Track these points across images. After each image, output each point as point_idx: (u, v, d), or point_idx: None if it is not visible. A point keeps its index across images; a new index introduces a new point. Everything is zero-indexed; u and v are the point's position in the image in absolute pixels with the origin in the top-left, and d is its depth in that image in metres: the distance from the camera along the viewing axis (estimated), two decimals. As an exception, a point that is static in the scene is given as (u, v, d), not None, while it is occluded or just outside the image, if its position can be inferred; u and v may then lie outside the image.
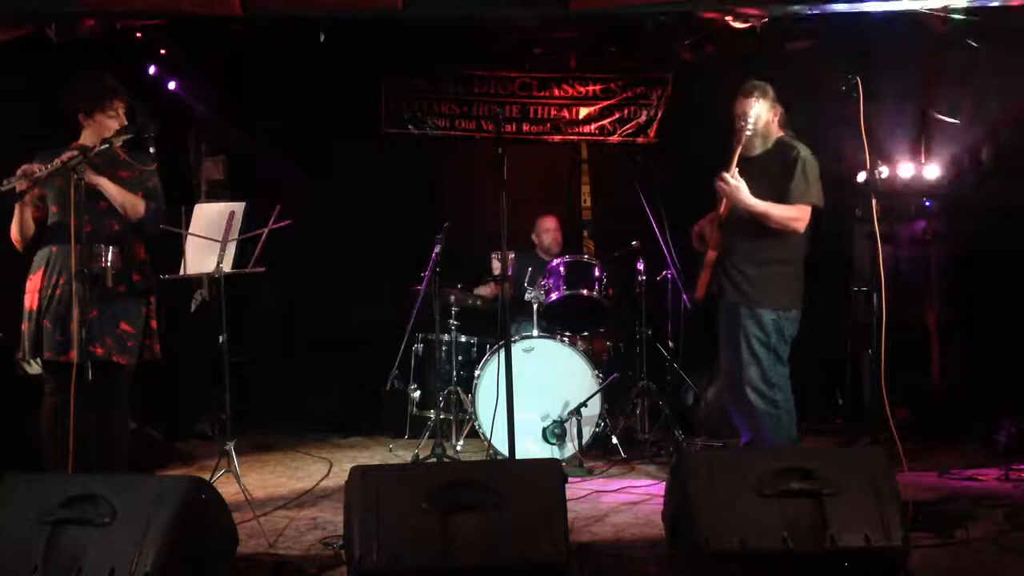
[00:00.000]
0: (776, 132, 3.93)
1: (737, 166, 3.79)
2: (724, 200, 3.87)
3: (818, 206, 3.78)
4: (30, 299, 3.53)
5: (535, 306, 4.96)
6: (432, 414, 5.16)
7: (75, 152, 3.33)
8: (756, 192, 3.76)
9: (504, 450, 3.96)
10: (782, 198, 3.75)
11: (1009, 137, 5.16)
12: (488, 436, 4.53)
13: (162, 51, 5.62)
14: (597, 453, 4.92)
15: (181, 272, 3.77)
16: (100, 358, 3.44)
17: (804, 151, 3.81)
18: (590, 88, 6.54)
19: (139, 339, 3.61)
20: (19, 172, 3.37)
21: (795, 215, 3.74)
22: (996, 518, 3.35)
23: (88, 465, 3.16)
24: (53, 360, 3.45)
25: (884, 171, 5.48)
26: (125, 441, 3.67)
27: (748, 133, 3.81)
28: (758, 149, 3.90)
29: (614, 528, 3.50)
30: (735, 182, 3.75)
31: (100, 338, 3.47)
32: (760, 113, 3.84)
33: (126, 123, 3.56)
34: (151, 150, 3.55)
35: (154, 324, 3.71)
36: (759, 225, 3.78)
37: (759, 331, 3.78)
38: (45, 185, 3.47)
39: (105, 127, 3.55)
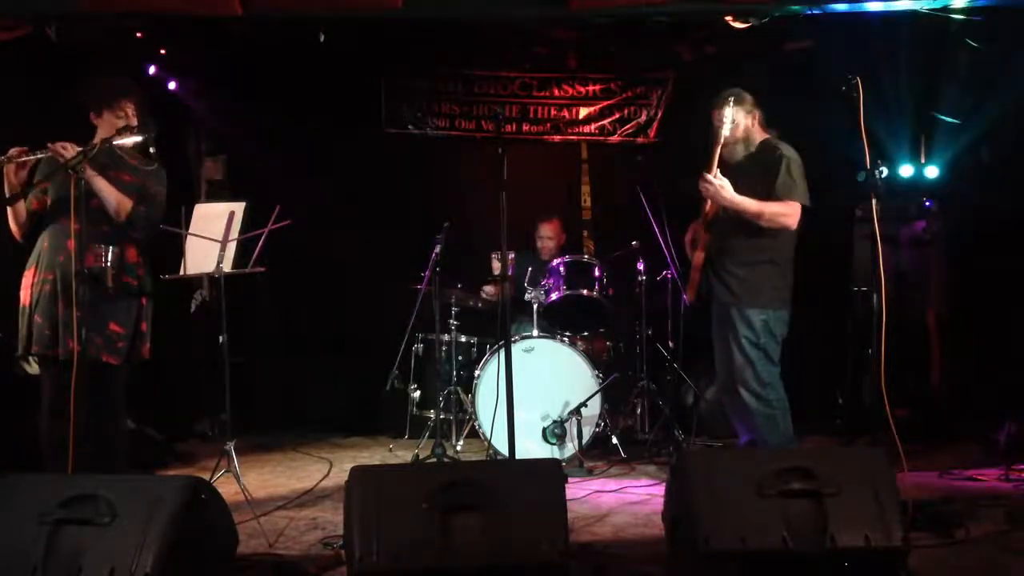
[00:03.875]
0: (758, 135, 3.95)
1: (720, 170, 3.79)
2: (709, 201, 3.87)
3: (805, 205, 3.78)
4: (24, 295, 3.54)
5: (535, 306, 4.96)
6: (432, 414, 5.16)
7: (71, 147, 3.33)
8: (742, 194, 3.76)
9: (504, 450, 3.96)
10: (768, 197, 3.75)
11: (1009, 137, 5.15)
12: (488, 436, 4.53)
13: (162, 51, 5.61)
14: (597, 453, 4.92)
15: (181, 272, 3.77)
16: (89, 357, 3.43)
17: (788, 151, 3.82)
18: (590, 88, 6.54)
19: (129, 340, 3.59)
20: (8, 154, 3.39)
21: (784, 210, 3.74)
22: (996, 518, 3.35)
23: (88, 465, 3.16)
24: (42, 354, 3.46)
25: (884, 171, 5.47)
26: (122, 441, 3.66)
27: (725, 133, 3.81)
28: (741, 154, 3.91)
29: (614, 528, 3.50)
30: (718, 181, 3.74)
31: (88, 336, 3.45)
32: (736, 118, 3.86)
33: (134, 124, 3.54)
34: (151, 150, 3.55)
35: (144, 327, 3.66)
36: (747, 225, 3.78)
37: (749, 332, 3.78)
38: (49, 177, 3.47)
39: (114, 128, 3.54)
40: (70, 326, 3.28)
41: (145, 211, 3.60)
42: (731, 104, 3.85)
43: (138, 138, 3.47)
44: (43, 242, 3.54)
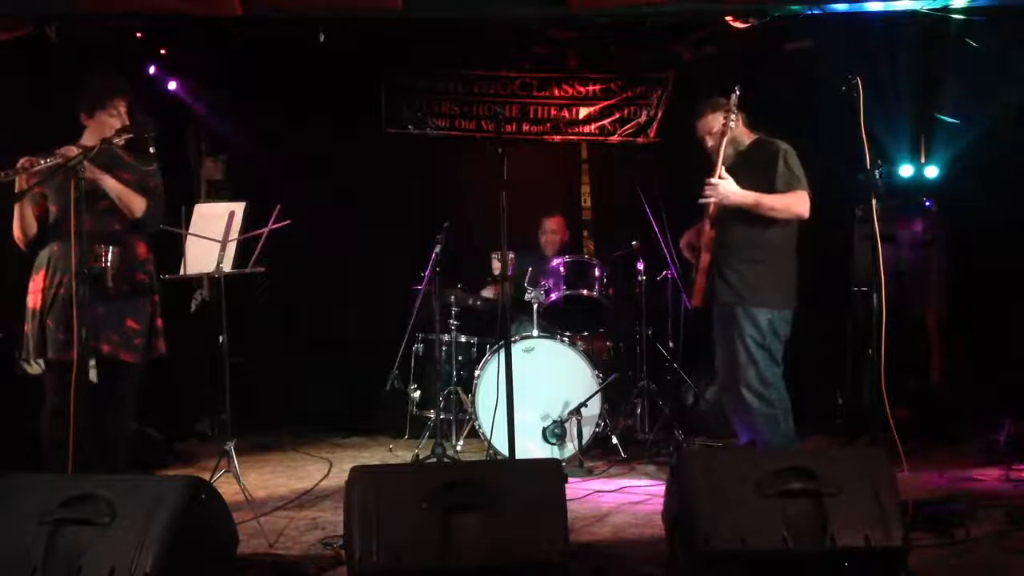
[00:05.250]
0: (747, 136, 3.95)
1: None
2: (713, 205, 3.86)
3: (809, 193, 3.78)
4: (33, 299, 3.53)
5: (535, 306, 4.96)
6: (432, 414, 5.16)
7: (75, 149, 3.33)
8: None
9: (504, 450, 3.96)
10: (770, 191, 3.75)
11: (1008, 136, 5.15)
12: (488, 436, 4.53)
13: (162, 51, 5.62)
14: (597, 453, 4.92)
15: (181, 272, 3.78)
16: (106, 355, 3.44)
17: (783, 144, 3.83)
18: (590, 88, 6.54)
19: (145, 337, 3.62)
20: (18, 165, 3.37)
21: (793, 200, 3.74)
22: (996, 518, 3.35)
23: (88, 465, 3.16)
24: (56, 360, 3.45)
25: (884, 171, 5.47)
26: (128, 441, 3.66)
27: (730, 128, 3.80)
28: (731, 155, 3.90)
29: (614, 528, 3.50)
30: (721, 181, 3.74)
31: (105, 335, 3.46)
32: (715, 124, 3.87)
33: (128, 123, 3.55)
34: (151, 150, 3.55)
35: (159, 323, 3.71)
36: (751, 222, 3.78)
37: (754, 331, 3.77)
38: (46, 183, 3.46)
39: (107, 126, 3.54)
40: (92, 328, 3.28)
41: (154, 205, 3.64)
42: (713, 111, 3.88)
43: (131, 135, 3.46)
44: (52, 247, 3.54)
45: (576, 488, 4.08)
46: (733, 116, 3.80)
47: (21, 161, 3.38)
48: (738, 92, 3.80)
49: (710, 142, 3.91)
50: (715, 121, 3.88)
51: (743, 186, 3.75)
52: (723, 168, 3.78)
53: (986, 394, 5.06)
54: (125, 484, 2.58)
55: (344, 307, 6.21)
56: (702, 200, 3.83)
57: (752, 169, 3.83)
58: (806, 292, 3.93)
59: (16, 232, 3.58)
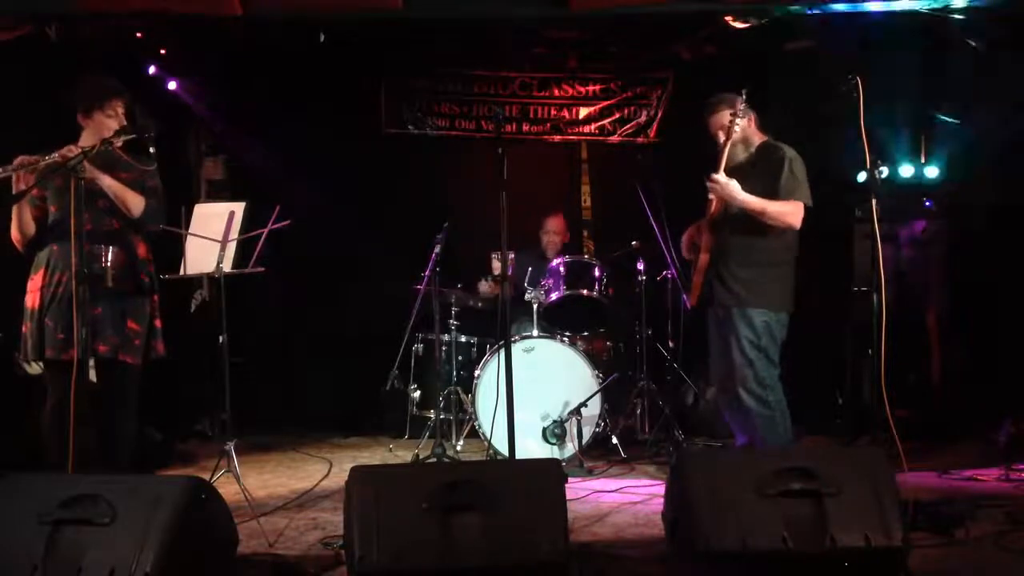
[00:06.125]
0: (757, 136, 3.95)
1: (725, 172, 3.80)
2: (715, 202, 3.87)
3: (808, 205, 3.78)
4: (31, 298, 3.52)
5: (535, 306, 4.96)
6: (432, 414, 5.17)
7: (75, 149, 3.33)
8: None
9: (504, 450, 3.96)
10: (772, 197, 3.75)
11: (1009, 136, 5.15)
12: (488, 436, 4.53)
13: (162, 51, 5.61)
14: (597, 453, 4.92)
15: (181, 272, 3.78)
16: (104, 355, 3.44)
17: (790, 151, 3.83)
18: (590, 88, 6.53)
19: (144, 338, 3.62)
20: (16, 162, 3.37)
21: (790, 209, 3.74)
22: (996, 518, 3.35)
23: (89, 465, 3.16)
24: (54, 359, 3.45)
25: (884, 171, 5.47)
26: (130, 442, 3.66)
27: (736, 130, 3.80)
28: (741, 155, 3.90)
29: (614, 528, 3.50)
30: (726, 180, 3.75)
31: (103, 336, 3.46)
32: (724, 120, 3.86)
33: (125, 123, 3.55)
34: (151, 150, 3.54)
35: (158, 323, 3.71)
36: (752, 226, 3.78)
37: (750, 332, 3.77)
38: (44, 185, 3.46)
39: (104, 127, 3.54)
40: (93, 327, 3.28)
41: (154, 203, 3.64)
42: (726, 109, 3.87)
43: (131, 136, 3.46)
44: (52, 246, 3.53)
45: (576, 488, 4.08)
46: (739, 117, 3.80)
47: (17, 159, 3.38)
48: (745, 94, 3.81)
49: (722, 137, 3.90)
50: (727, 117, 3.88)
51: (747, 187, 3.76)
52: (723, 169, 3.78)
53: (986, 394, 5.06)
54: (125, 484, 2.58)
55: (344, 307, 6.20)
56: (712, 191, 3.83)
57: (758, 172, 3.83)
58: (806, 292, 3.93)
59: (14, 234, 3.58)
